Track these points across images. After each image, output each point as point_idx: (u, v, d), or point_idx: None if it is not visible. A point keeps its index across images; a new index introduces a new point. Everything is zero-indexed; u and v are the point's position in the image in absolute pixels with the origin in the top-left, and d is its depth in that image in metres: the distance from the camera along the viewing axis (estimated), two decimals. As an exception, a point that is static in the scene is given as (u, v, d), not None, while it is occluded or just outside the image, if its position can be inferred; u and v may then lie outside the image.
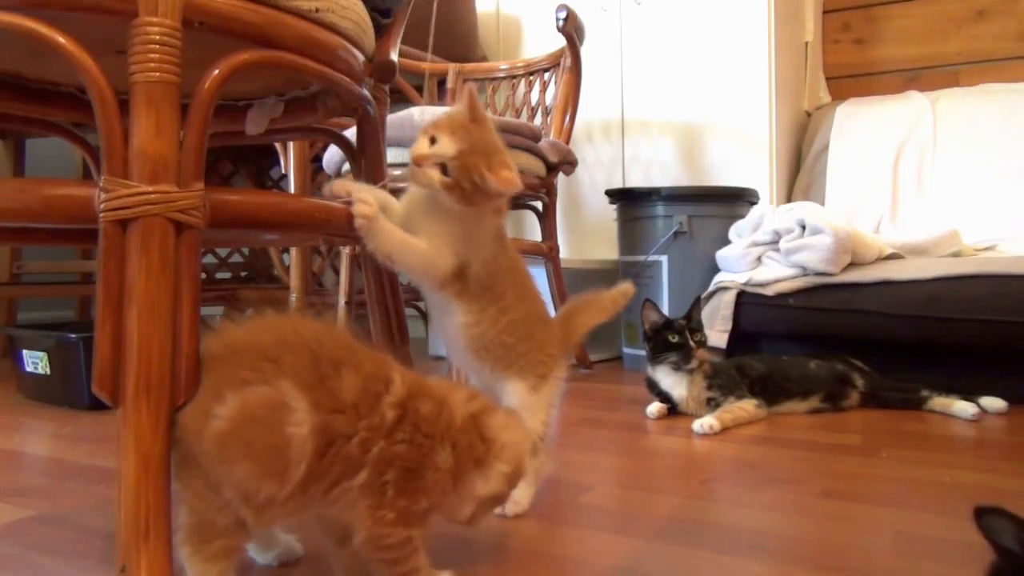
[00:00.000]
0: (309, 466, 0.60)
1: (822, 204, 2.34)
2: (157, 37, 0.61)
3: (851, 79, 2.78)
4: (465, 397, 0.71)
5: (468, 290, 0.89)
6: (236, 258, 2.93)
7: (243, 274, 2.92)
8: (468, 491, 0.69)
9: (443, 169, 0.82)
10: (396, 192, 0.96)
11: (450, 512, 0.70)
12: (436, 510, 0.67)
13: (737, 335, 1.88)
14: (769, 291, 1.83)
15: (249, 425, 0.59)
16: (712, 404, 1.48)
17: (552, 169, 2.04)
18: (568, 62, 2.13)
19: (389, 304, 1.02)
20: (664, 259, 2.08)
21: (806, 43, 2.69)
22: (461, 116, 0.84)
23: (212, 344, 0.64)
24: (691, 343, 1.50)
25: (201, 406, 0.61)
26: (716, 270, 2.01)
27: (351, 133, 1.01)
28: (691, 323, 1.53)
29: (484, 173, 0.81)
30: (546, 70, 2.29)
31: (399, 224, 0.87)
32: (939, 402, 1.52)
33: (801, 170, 2.56)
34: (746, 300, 1.87)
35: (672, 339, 1.51)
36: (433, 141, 0.83)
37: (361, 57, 0.88)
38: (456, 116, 0.84)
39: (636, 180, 2.51)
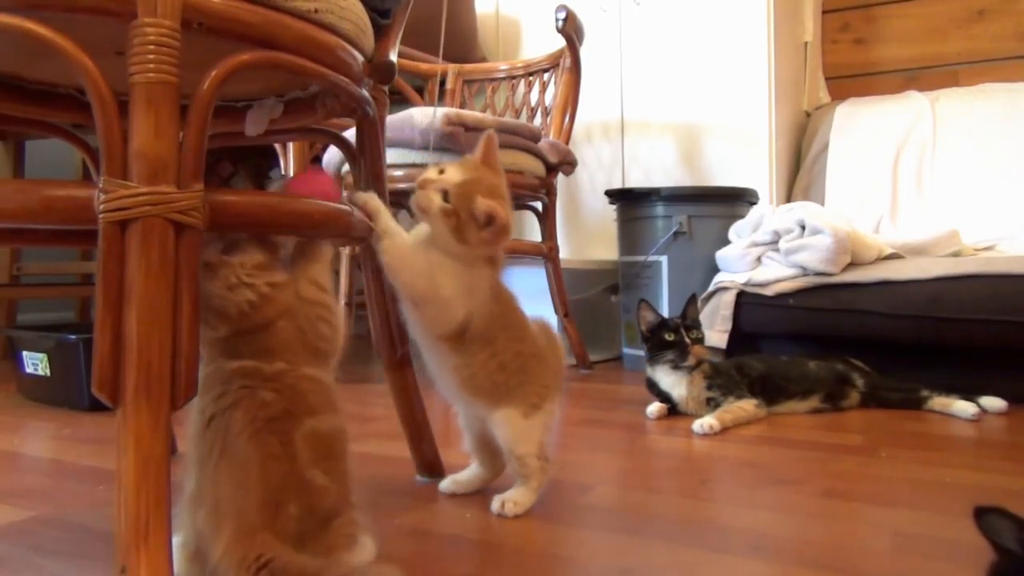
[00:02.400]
0: None
1: (822, 204, 2.34)
2: (156, 38, 0.61)
3: (850, 79, 2.78)
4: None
5: (464, 343, 0.90)
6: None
7: (243, 275, 2.92)
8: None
9: (444, 197, 0.86)
10: (395, 194, 0.96)
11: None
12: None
13: (737, 335, 1.88)
14: (769, 291, 1.83)
15: None
16: (712, 404, 1.48)
17: (552, 169, 2.04)
18: (567, 62, 2.13)
19: (389, 305, 1.02)
20: (664, 259, 2.08)
21: (805, 43, 2.70)
22: (475, 158, 0.91)
23: None
24: (687, 340, 1.50)
25: None
26: (716, 270, 2.01)
27: (351, 134, 1.01)
28: (686, 321, 1.53)
29: (477, 199, 0.85)
30: (546, 71, 2.29)
31: None
32: (939, 402, 1.52)
33: (801, 170, 2.56)
34: (746, 300, 1.87)
35: (668, 337, 1.51)
36: (442, 172, 0.88)
37: (360, 58, 0.88)
38: (470, 157, 0.91)
39: (636, 180, 2.51)
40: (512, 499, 0.93)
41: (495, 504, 0.93)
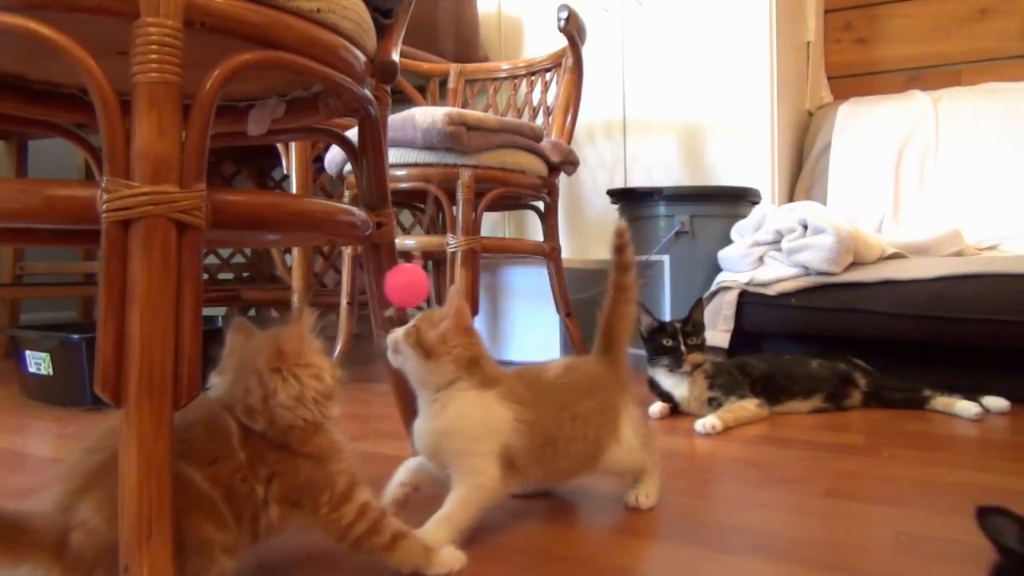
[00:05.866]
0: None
1: (824, 204, 2.33)
2: (158, 38, 0.61)
3: (853, 78, 2.78)
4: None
5: None
6: (238, 258, 2.93)
7: (245, 274, 2.93)
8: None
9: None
10: (396, 193, 0.96)
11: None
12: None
13: (739, 335, 1.88)
14: (771, 291, 1.82)
15: None
16: (714, 404, 1.48)
17: (554, 169, 2.04)
18: (570, 62, 2.13)
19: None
20: (666, 259, 2.08)
21: (808, 42, 2.69)
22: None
23: None
24: (683, 348, 1.49)
25: None
26: (718, 270, 2.01)
27: (353, 134, 1.01)
28: (688, 326, 1.52)
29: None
30: (548, 70, 2.29)
31: None
32: (941, 401, 1.52)
33: (803, 170, 2.55)
34: (748, 300, 1.86)
35: (666, 343, 1.50)
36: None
37: (362, 57, 0.88)
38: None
39: (638, 180, 2.51)
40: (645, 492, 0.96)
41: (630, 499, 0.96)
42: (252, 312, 2.79)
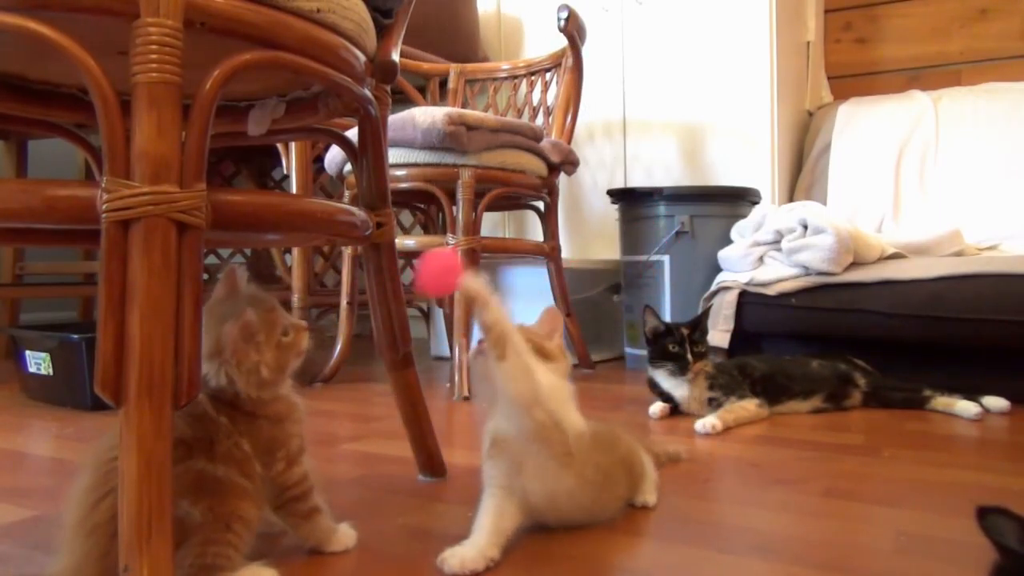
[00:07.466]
0: None
1: (824, 204, 2.33)
2: (158, 38, 0.61)
3: (853, 78, 2.78)
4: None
5: None
6: (238, 259, 2.93)
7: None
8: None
9: None
10: (396, 193, 0.96)
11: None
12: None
13: (739, 335, 1.88)
14: (771, 291, 1.82)
15: None
16: (714, 404, 1.48)
17: (554, 169, 2.04)
18: (570, 62, 2.13)
19: (391, 305, 1.02)
20: (666, 259, 2.08)
21: (808, 42, 2.69)
22: None
23: None
24: (689, 356, 1.48)
25: None
26: (718, 270, 2.01)
27: (353, 134, 1.01)
28: (695, 333, 1.51)
29: None
30: (548, 70, 2.29)
31: None
32: (941, 401, 1.52)
33: (803, 170, 2.55)
34: (748, 300, 1.86)
35: (672, 348, 1.50)
36: None
37: (362, 57, 0.88)
38: None
39: (638, 180, 2.51)
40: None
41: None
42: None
